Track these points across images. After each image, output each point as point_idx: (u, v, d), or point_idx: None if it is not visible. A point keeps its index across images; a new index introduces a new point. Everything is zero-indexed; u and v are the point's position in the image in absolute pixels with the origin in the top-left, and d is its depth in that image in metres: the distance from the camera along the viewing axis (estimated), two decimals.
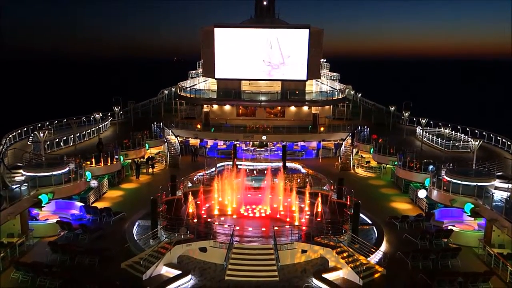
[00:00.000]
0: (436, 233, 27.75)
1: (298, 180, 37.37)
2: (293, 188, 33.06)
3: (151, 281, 22.96)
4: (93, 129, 46.83)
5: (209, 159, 45.73)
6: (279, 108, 55.25)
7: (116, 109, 53.99)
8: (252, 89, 55.32)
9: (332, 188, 33.84)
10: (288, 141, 49.13)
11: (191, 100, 57.09)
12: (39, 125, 43.66)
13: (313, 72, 55.04)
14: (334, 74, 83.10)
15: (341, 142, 48.93)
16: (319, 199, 29.90)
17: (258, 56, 53.54)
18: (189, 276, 23.45)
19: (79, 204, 32.07)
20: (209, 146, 51.53)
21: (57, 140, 41.41)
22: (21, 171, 30.62)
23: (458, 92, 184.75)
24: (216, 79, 55.40)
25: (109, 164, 37.34)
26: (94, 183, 34.64)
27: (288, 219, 28.84)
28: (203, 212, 30.08)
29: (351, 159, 46.15)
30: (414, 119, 53.18)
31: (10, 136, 40.81)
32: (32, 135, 41.74)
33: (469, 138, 43.74)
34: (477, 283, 22.43)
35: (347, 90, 63.16)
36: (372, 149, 43.62)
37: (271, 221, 28.49)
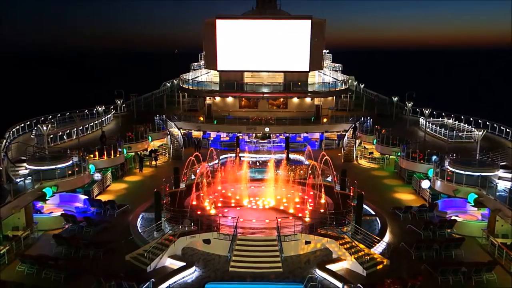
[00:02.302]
0: (439, 223, 27.81)
1: (301, 172, 37.36)
2: (296, 180, 33.11)
3: (155, 273, 23.09)
4: (96, 122, 46.82)
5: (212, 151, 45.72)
6: (281, 99, 55.08)
7: (119, 102, 53.98)
8: (254, 80, 55.09)
9: (335, 179, 33.86)
10: (291, 132, 49.06)
11: (194, 92, 56.95)
12: (42, 118, 43.72)
13: (316, 63, 54.71)
14: (337, 65, 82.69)
15: (344, 133, 48.86)
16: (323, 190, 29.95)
17: (260, 47, 53.29)
18: (193, 268, 23.57)
19: (83, 197, 32.23)
20: (212, 138, 51.53)
21: (60, 133, 41.44)
22: (25, 164, 30.68)
23: (461, 81, 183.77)
24: (218, 71, 55.21)
25: (112, 157, 37.36)
26: (97, 176, 34.74)
27: (291, 211, 28.89)
28: (206, 204, 30.24)
29: (354, 150, 46.09)
30: (417, 109, 52.95)
31: (14, 129, 40.84)
32: (35, 128, 41.78)
33: (473, 128, 43.50)
34: (481, 273, 22.48)
35: (349, 81, 62.87)
36: (375, 140, 43.53)
37: (275, 212, 28.54)
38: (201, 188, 31.43)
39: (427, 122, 46.63)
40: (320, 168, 33.12)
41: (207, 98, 54.64)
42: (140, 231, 27.71)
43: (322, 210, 28.90)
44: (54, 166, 28.70)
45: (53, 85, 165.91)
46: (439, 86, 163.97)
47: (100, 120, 46.97)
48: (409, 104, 52.57)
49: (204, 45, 56.66)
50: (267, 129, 49.42)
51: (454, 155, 32.46)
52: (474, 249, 25.88)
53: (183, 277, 22.93)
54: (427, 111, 44.48)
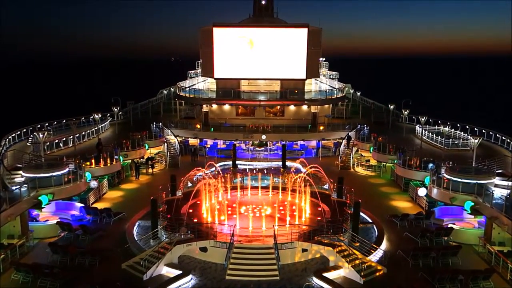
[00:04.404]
0: (436, 231, 27.79)
1: (298, 179, 37.34)
2: (293, 187, 33.06)
3: (151, 281, 22.99)
4: (93, 129, 46.75)
5: (209, 159, 45.75)
6: (278, 107, 55.23)
7: (115, 109, 53.94)
8: (251, 88, 55.29)
9: (332, 187, 33.86)
10: (287, 140, 49.09)
11: (190, 100, 57.08)
12: (39, 126, 43.59)
13: (312, 71, 55.00)
14: (333, 73, 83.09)
15: (341, 141, 48.96)
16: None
17: (257, 55, 53.51)
18: (190, 276, 23.47)
19: (79, 205, 32.05)
20: (208, 146, 51.53)
21: (57, 141, 41.35)
22: (20, 172, 30.53)
23: (457, 89, 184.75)
24: (215, 78, 55.38)
25: (108, 164, 37.27)
26: (94, 184, 34.61)
27: (288, 218, 28.84)
28: (203, 212, 30.16)
29: (351, 158, 46.15)
30: (414, 117, 53.19)
31: (10, 137, 40.70)
32: (31, 136, 41.67)
33: (469, 136, 43.75)
34: (478, 280, 22.45)
35: (346, 88, 63.16)
36: (371, 148, 43.62)
37: (272, 220, 28.48)
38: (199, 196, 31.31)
39: (423, 130, 46.81)
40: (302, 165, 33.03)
41: (204, 105, 54.69)
42: (136, 239, 27.54)
43: (319, 218, 28.87)
44: (50, 174, 28.57)
45: (49, 93, 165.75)
46: (435, 93, 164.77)
47: (96, 128, 46.93)
48: (406, 112, 52.85)
49: (201, 53, 56.87)
50: (263, 137, 49.45)
51: (451, 162, 32.56)
52: (471, 257, 25.87)
53: (180, 286, 22.84)
54: (423, 119, 44.68)
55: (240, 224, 27.63)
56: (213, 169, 39.58)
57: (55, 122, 47.38)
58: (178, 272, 23.64)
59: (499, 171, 33.50)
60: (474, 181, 27.94)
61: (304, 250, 25.30)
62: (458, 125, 48.01)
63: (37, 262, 24.00)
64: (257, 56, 53.51)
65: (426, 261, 24.64)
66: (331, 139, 51.15)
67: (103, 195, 36.67)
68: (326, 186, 35.00)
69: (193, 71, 74.43)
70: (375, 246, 26.09)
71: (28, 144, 41.35)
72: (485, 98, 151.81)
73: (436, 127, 50.60)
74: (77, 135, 43.31)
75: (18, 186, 27.18)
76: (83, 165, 32.76)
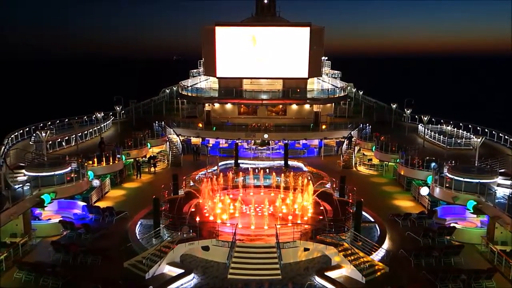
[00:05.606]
0: (438, 230, 27.75)
1: (300, 178, 37.32)
2: (295, 187, 33.05)
3: (153, 280, 22.99)
4: (95, 128, 46.80)
5: (211, 158, 45.76)
6: (280, 106, 55.20)
7: (118, 108, 54.00)
8: (253, 87, 55.29)
9: (334, 186, 33.83)
10: (289, 139, 49.08)
11: (193, 99, 57.13)
12: (41, 125, 43.66)
13: (314, 70, 54.98)
14: (336, 72, 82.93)
15: (343, 140, 48.90)
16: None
17: (259, 54, 53.50)
18: (192, 275, 23.47)
19: (81, 203, 32.13)
20: (210, 145, 51.55)
21: (59, 139, 41.40)
22: (23, 171, 30.62)
23: (460, 89, 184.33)
24: (217, 77, 55.40)
25: (111, 163, 37.37)
26: (96, 183, 34.66)
27: (290, 217, 28.83)
28: (205, 211, 30.18)
29: (353, 157, 46.10)
30: (416, 116, 53.08)
31: (12, 136, 40.74)
32: (34, 135, 41.75)
33: (471, 135, 43.60)
34: (480, 280, 22.41)
35: (348, 88, 63.05)
36: (374, 147, 43.55)
37: (274, 219, 28.47)
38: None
39: (426, 129, 46.70)
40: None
41: (206, 104, 54.72)
42: (138, 238, 27.61)
43: (321, 217, 28.85)
44: (52, 173, 28.65)
45: (52, 92, 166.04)
46: (438, 93, 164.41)
47: (99, 127, 46.99)
48: (408, 111, 52.74)
49: (203, 52, 56.93)
50: (266, 136, 49.45)
51: (453, 162, 32.48)
52: (474, 256, 25.82)
53: (182, 284, 22.84)
54: (425, 118, 44.52)
55: (242, 223, 27.62)
56: (214, 168, 39.73)
57: (58, 121, 47.42)
58: (180, 271, 23.64)
59: (502, 170, 33.42)
60: (477, 181, 27.92)
61: (306, 249, 25.27)
62: (460, 124, 47.88)
63: (40, 260, 24.13)
64: (259, 55, 53.52)
65: (428, 261, 24.62)
66: (333, 138, 51.13)
67: (106, 194, 36.74)
68: (328, 185, 34.97)
69: (195, 70, 74.48)
70: (377, 245, 26.07)
71: (30, 143, 41.43)
72: (487, 97, 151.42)
73: (439, 126, 50.46)
74: (80, 134, 43.34)
75: (21, 185, 27.27)
76: (86, 164, 32.82)
